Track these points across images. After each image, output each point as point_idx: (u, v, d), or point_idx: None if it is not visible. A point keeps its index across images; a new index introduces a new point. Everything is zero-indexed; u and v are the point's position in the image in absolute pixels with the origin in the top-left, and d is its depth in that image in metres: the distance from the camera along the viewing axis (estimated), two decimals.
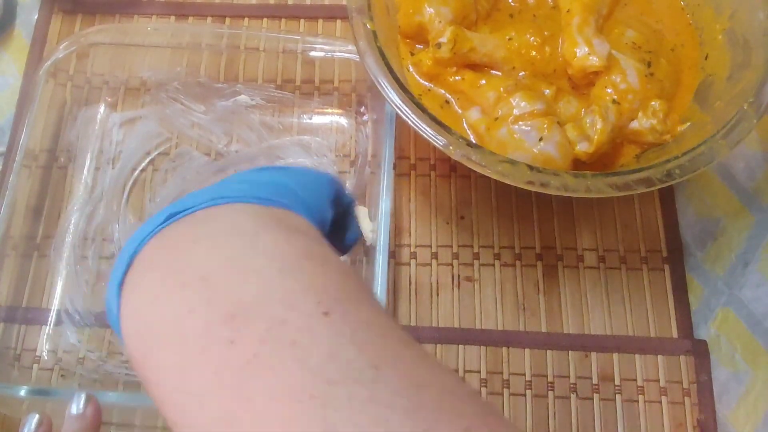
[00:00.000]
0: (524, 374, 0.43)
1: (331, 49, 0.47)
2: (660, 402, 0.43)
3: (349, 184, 0.48)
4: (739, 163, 0.49)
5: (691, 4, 0.48)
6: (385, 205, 0.42)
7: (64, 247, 0.46)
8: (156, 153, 0.49)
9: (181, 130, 0.50)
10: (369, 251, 0.44)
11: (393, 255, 0.46)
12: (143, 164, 0.49)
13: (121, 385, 0.43)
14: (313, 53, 0.48)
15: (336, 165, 0.49)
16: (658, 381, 0.43)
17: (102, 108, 0.50)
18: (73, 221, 0.47)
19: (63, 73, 0.49)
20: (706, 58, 0.46)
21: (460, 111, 0.45)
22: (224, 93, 0.50)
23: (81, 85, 0.50)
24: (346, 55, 0.47)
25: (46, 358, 0.44)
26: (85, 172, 0.49)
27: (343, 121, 0.50)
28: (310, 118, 0.50)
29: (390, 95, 0.39)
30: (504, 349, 0.44)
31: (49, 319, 0.45)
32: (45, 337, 0.44)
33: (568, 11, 0.45)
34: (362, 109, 0.50)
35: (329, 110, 0.50)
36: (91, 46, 0.48)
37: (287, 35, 0.48)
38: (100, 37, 0.48)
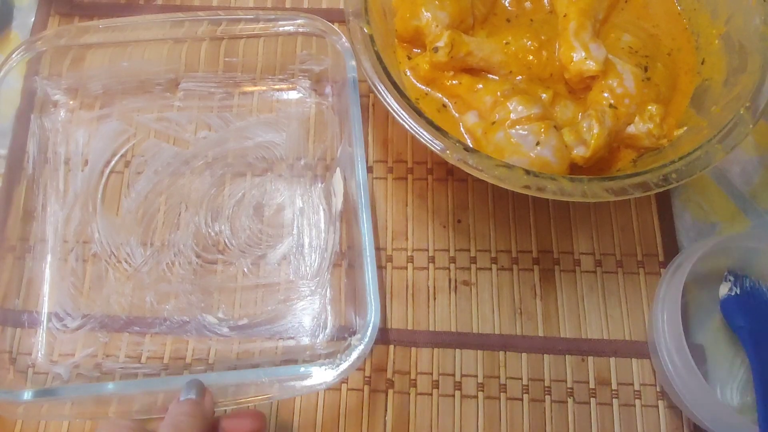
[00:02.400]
0: (521, 378, 0.43)
1: (274, 25, 0.48)
2: (657, 406, 0.43)
3: (319, 150, 0.49)
4: (736, 168, 0.49)
5: (687, 8, 0.48)
6: (361, 173, 0.42)
7: (46, 250, 0.46)
8: (124, 150, 0.49)
9: (145, 123, 0.50)
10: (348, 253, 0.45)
11: (390, 259, 0.46)
12: (113, 163, 0.49)
13: (118, 377, 0.43)
14: (259, 30, 0.48)
15: (301, 136, 0.50)
16: (654, 385, 0.43)
17: (62, 112, 0.50)
18: (49, 225, 0.47)
19: (18, 83, 0.49)
20: (702, 62, 0.46)
21: (457, 115, 0.45)
22: (177, 81, 0.51)
23: (37, 92, 0.50)
24: (292, 29, 0.48)
25: (40, 360, 0.44)
26: (56, 178, 0.49)
27: (303, 94, 0.51)
28: (271, 96, 0.51)
29: (387, 99, 0.39)
30: (501, 353, 0.44)
31: (41, 321, 0.45)
32: (39, 339, 0.44)
33: (564, 16, 0.45)
34: (326, 90, 0.51)
35: (288, 85, 0.51)
36: (42, 51, 0.48)
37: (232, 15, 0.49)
38: (51, 41, 0.48)
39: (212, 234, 0.47)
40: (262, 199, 0.48)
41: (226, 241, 0.46)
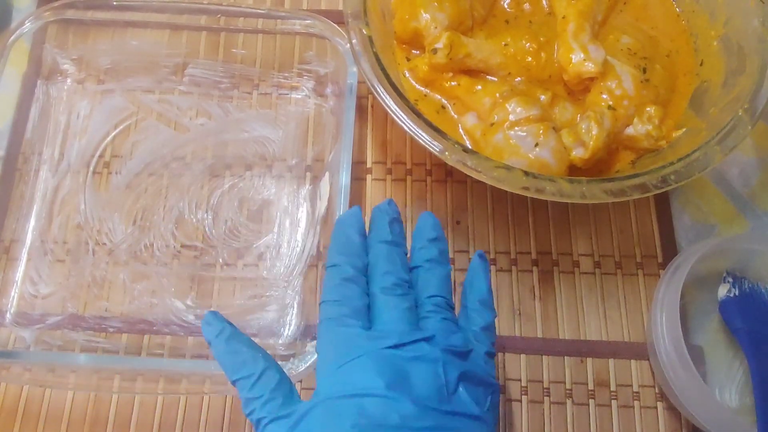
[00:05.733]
0: (520, 380, 0.43)
1: (289, 25, 0.48)
2: (656, 408, 0.43)
3: (313, 152, 0.49)
4: (734, 170, 0.49)
5: (686, 10, 0.48)
6: (345, 179, 0.43)
7: (31, 214, 0.47)
8: (122, 126, 0.50)
9: (147, 104, 0.50)
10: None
11: None
12: (110, 138, 0.49)
13: (79, 349, 0.44)
14: (270, 27, 0.49)
15: (298, 136, 0.50)
16: (653, 387, 0.43)
17: (69, 82, 0.51)
18: (39, 191, 0.48)
19: (28, 48, 0.50)
20: (701, 64, 0.46)
21: (456, 116, 0.45)
22: (184, 66, 0.51)
23: (46, 59, 0.51)
24: (300, 28, 0.48)
25: (8, 320, 0.44)
26: (53, 145, 0.49)
27: (305, 94, 0.51)
28: (273, 93, 0.51)
29: (386, 101, 0.39)
30: (500, 354, 0.44)
31: (16, 282, 0.45)
32: (11, 300, 0.45)
33: (563, 17, 0.45)
34: (327, 91, 0.51)
35: (291, 84, 0.51)
36: (54, 22, 0.48)
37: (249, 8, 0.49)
38: (63, 13, 0.48)
39: (194, 221, 0.47)
40: (248, 194, 0.48)
41: (207, 230, 0.47)
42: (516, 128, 0.41)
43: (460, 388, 0.29)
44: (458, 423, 0.29)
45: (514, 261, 0.46)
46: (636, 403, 0.43)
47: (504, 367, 0.44)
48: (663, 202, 0.48)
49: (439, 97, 0.45)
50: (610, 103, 0.43)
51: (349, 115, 0.45)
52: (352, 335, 0.30)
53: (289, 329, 0.44)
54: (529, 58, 0.44)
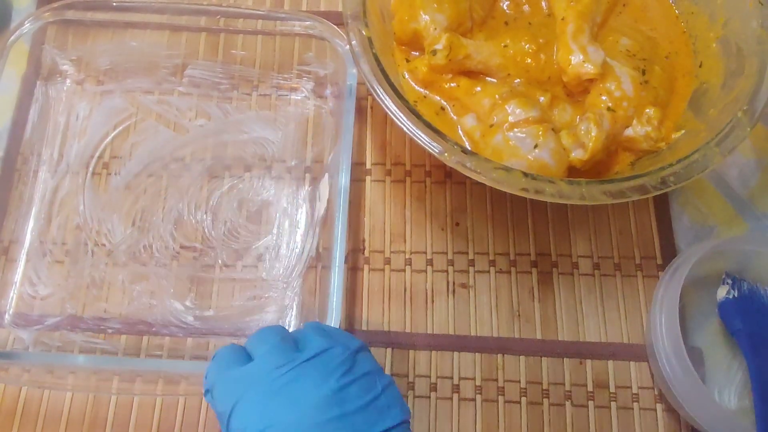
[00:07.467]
0: (519, 381, 0.43)
1: (289, 26, 0.48)
2: (655, 409, 0.43)
3: (312, 153, 0.49)
4: (733, 171, 0.49)
5: (685, 12, 0.48)
6: (344, 180, 0.43)
7: (30, 215, 0.47)
8: (122, 127, 0.50)
9: (146, 105, 0.51)
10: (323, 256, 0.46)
11: (388, 261, 0.46)
12: (109, 139, 0.50)
13: (78, 350, 0.44)
14: (270, 28, 0.49)
15: (298, 137, 0.50)
16: (652, 388, 0.43)
17: (68, 83, 0.51)
18: (38, 191, 0.48)
19: (27, 48, 0.50)
20: (700, 65, 0.46)
21: (455, 118, 0.45)
22: (183, 67, 0.52)
23: (46, 60, 0.51)
24: (300, 30, 0.48)
25: (7, 320, 0.44)
26: (52, 146, 0.49)
27: (304, 95, 0.51)
28: (272, 94, 0.51)
29: (385, 102, 0.39)
30: (499, 356, 0.44)
31: (14, 283, 0.45)
32: (9, 301, 0.45)
33: (562, 19, 0.45)
34: (327, 92, 0.51)
35: (290, 85, 0.51)
36: (54, 23, 0.48)
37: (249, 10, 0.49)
38: (63, 14, 0.48)
39: (193, 222, 0.47)
40: (248, 195, 0.48)
41: (206, 231, 0.47)
42: (515, 129, 0.41)
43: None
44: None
45: (513, 262, 0.46)
46: (635, 404, 0.43)
47: (503, 368, 0.44)
48: (662, 204, 0.48)
49: (438, 98, 0.45)
50: (610, 104, 0.43)
51: (349, 117, 0.45)
52: None
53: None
54: (529, 60, 0.45)
